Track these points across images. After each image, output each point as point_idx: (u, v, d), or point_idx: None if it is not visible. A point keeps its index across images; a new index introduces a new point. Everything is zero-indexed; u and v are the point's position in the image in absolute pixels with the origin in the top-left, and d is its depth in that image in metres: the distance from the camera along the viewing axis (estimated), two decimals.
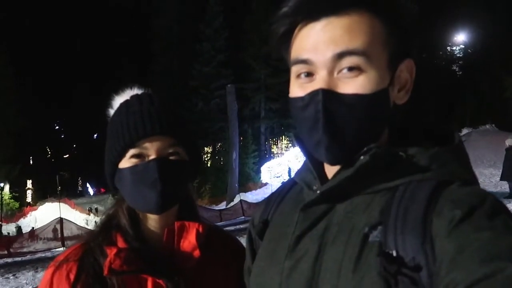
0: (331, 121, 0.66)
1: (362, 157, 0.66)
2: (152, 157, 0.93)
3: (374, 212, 0.66)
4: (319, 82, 0.67)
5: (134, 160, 0.94)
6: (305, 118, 0.69)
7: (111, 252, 0.90)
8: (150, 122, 0.94)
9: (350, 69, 0.66)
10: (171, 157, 0.95)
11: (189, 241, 0.96)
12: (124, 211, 0.99)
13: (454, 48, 36.02)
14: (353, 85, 0.66)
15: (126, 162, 0.95)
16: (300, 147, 0.78)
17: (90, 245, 0.96)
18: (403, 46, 0.70)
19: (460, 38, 35.07)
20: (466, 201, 0.60)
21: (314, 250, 0.69)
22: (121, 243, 0.94)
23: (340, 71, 0.66)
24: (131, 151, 0.94)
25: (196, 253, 0.96)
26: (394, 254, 0.59)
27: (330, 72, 0.67)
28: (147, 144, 0.93)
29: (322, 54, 0.66)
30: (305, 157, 0.78)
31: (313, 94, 0.67)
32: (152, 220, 0.99)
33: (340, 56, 0.65)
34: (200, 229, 0.98)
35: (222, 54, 30.51)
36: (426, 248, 0.58)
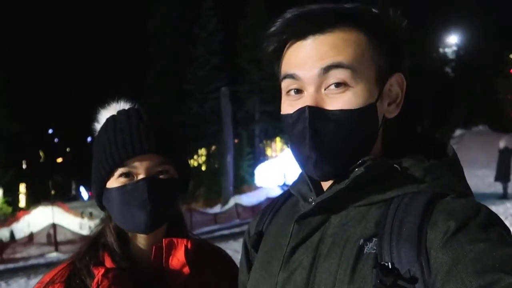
0: (318, 138, 0.67)
1: (356, 169, 0.67)
2: (141, 176, 0.91)
3: (369, 224, 0.66)
4: (306, 99, 0.68)
5: (122, 180, 0.91)
6: (294, 134, 0.70)
7: (98, 272, 0.88)
8: (138, 140, 0.91)
9: (337, 85, 0.67)
10: (160, 176, 0.93)
11: (177, 258, 0.94)
12: (112, 230, 0.96)
13: (446, 50, 36.29)
14: (340, 101, 0.67)
15: (114, 182, 0.92)
16: (296, 159, 0.78)
17: (76, 265, 0.93)
18: (392, 60, 0.71)
19: (453, 40, 35.34)
20: (460, 213, 0.60)
21: (308, 262, 0.69)
22: (108, 263, 0.91)
23: (327, 87, 0.67)
24: (120, 170, 0.91)
25: (185, 270, 0.94)
26: (390, 266, 0.59)
27: (318, 88, 0.68)
28: (136, 163, 0.91)
29: (309, 69, 0.67)
30: (301, 169, 0.78)
31: (301, 111, 0.68)
32: (141, 238, 0.97)
33: (327, 70, 0.66)
34: (189, 245, 0.96)
35: (216, 58, 30.51)
36: (421, 260, 0.58)
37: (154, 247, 0.94)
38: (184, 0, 32.27)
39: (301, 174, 0.81)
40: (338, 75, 0.66)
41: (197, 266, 0.97)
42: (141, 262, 0.96)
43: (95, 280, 0.87)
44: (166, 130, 0.99)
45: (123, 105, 1.01)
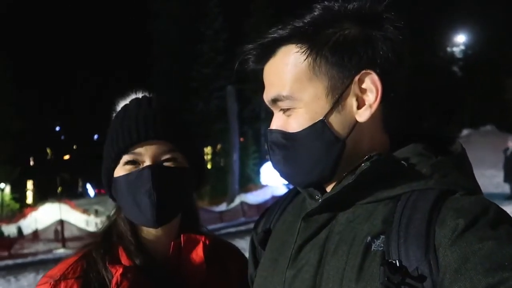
0: (273, 157, 0.74)
1: (363, 164, 0.66)
2: (146, 164, 0.88)
3: (376, 221, 0.66)
4: (273, 120, 0.75)
5: (128, 167, 0.89)
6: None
7: (116, 271, 0.85)
8: (144, 126, 0.88)
9: (285, 110, 0.72)
10: (166, 163, 0.89)
11: (196, 255, 0.92)
12: (125, 221, 0.93)
13: (454, 49, 35.99)
14: (287, 123, 0.71)
15: (120, 170, 0.90)
16: None
17: (91, 258, 0.89)
18: (349, 64, 0.68)
19: (460, 39, 35.06)
20: (469, 210, 0.60)
21: (316, 259, 0.69)
22: (125, 260, 0.88)
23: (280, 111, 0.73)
24: (125, 157, 0.89)
25: (203, 267, 0.92)
26: (398, 264, 0.59)
27: (277, 112, 0.74)
28: (140, 150, 0.88)
29: (266, 99, 0.75)
30: None
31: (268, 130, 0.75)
32: (154, 231, 0.94)
33: (273, 102, 0.73)
34: (207, 242, 0.94)
35: (221, 56, 30.53)
36: (429, 258, 0.58)
37: (172, 243, 0.92)
38: None
39: None
40: (281, 104, 0.72)
41: (213, 262, 0.96)
42: (157, 257, 0.93)
43: (114, 280, 0.84)
44: (177, 117, 0.96)
45: (139, 94, 0.99)
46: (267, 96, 0.74)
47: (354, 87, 0.68)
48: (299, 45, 0.69)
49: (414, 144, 0.71)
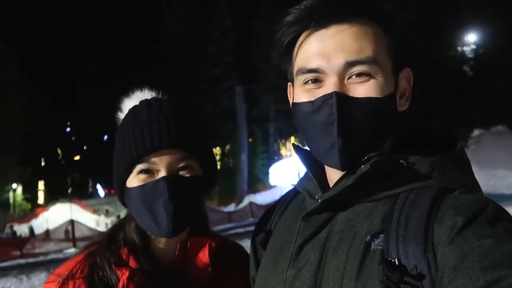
0: (345, 124, 0.66)
1: (363, 166, 0.66)
2: (162, 174, 0.85)
3: (375, 220, 0.66)
4: (330, 86, 0.67)
5: (142, 177, 0.86)
6: (315, 122, 0.69)
7: (122, 274, 0.83)
8: (158, 134, 0.85)
9: (359, 74, 0.67)
10: (182, 172, 0.87)
11: (201, 258, 0.91)
12: (134, 229, 0.92)
13: (464, 48, 35.60)
14: (364, 89, 0.67)
15: (134, 180, 0.87)
16: (299, 157, 0.78)
17: (96, 259, 0.88)
18: (401, 55, 0.72)
19: (471, 38, 34.67)
20: (467, 208, 0.59)
21: (316, 258, 0.69)
22: (132, 263, 0.87)
23: (349, 77, 0.68)
24: (139, 167, 0.86)
25: (209, 269, 0.91)
26: (397, 262, 0.59)
27: (341, 78, 0.67)
28: (155, 159, 0.85)
29: (333, 62, 0.67)
30: (305, 167, 0.78)
31: (326, 98, 0.67)
32: (163, 238, 0.92)
33: (352, 64, 0.67)
34: (213, 245, 0.93)
35: (230, 56, 30.61)
36: (428, 256, 0.58)
37: (179, 244, 0.91)
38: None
39: (307, 171, 0.80)
40: (362, 68, 0.67)
41: (220, 264, 0.95)
42: (163, 260, 0.92)
43: (121, 283, 0.83)
44: (190, 122, 0.93)
45: (147, 94, 0.95)
46: (346, 57, 0.66)
47: (400, 77, 0.73)
48: (379, 20, 0.70)
49: (414, 144, 0.72)
